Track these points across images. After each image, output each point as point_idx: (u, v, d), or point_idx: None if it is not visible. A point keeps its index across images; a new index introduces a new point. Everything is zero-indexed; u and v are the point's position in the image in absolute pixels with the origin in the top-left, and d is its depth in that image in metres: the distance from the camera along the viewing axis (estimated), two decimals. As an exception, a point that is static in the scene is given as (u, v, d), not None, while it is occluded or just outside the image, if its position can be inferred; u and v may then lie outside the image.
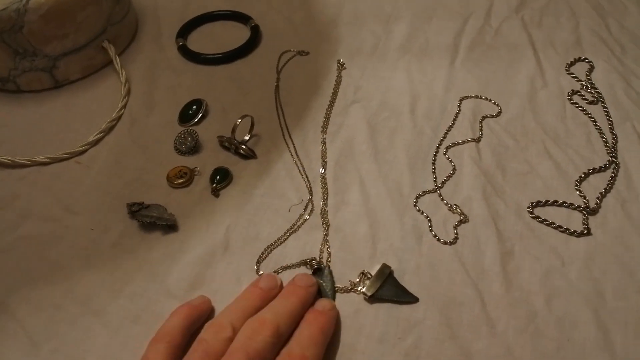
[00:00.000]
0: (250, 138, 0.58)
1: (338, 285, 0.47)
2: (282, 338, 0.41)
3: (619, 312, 0.44)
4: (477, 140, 0.57)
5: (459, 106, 0.61)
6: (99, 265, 0.49)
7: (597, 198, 0.51)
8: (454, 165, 0.55)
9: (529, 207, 0.51)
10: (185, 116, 0.62)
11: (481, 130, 0.58)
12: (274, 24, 0.74)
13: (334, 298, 0.46)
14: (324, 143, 0.58)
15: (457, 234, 0.49)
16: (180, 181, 0.55)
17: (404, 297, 0.45)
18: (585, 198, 0.51)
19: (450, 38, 0.69)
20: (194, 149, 0.58)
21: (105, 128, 0.61)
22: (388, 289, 0.45)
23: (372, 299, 0.45)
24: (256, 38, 0.71)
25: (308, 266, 0.48)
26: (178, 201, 0.54)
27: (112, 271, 0.49)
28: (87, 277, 0.48)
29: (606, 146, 0.55)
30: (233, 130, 0.57)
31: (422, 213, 0.51)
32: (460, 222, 0.50)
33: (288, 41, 0.71)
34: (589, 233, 0.49)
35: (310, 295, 0.44)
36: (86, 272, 0.49)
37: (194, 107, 0.62)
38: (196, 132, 0.59)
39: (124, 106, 0.64)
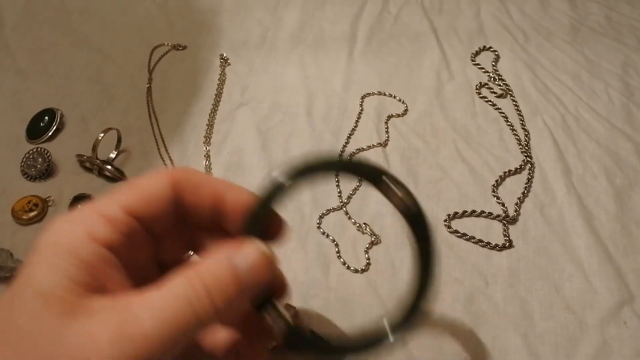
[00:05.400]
0: (117, 155, 0.49)
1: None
2: None
3: (548, 334, 0.39)
4: (384, 144, 0.50)
5: (361, 105, 0.54)
6: None
7: (516, 204, 0.46)
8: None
9: (445, 220, 0.45)
10: (35, 130, 0.52)
11: (387, 132, 0.51)
12: (145, 12, 0.63)
13: None
14: (207, 156, 0.49)
15: (368, 258, 0.43)
16: (30, 215, 0.45)
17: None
18: (503, 205, 0.46)
19: (346, 25, 0.62)
20: (47, 172, 0.48)
21: None
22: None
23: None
24: None
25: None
26: (27, 242, 0.44)
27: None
28: None
29: (519, 144, 0.51)
30: (94, 148, 0.47)
31: (328, 236, 0.44)
32: (372, 243, 0.44)
33: (161, 34, 0.60)
34: (510, 245, 0.44)
35: None
36: None
37: (46, 118, 0.52)
38: (48, 152, 0.48)
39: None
